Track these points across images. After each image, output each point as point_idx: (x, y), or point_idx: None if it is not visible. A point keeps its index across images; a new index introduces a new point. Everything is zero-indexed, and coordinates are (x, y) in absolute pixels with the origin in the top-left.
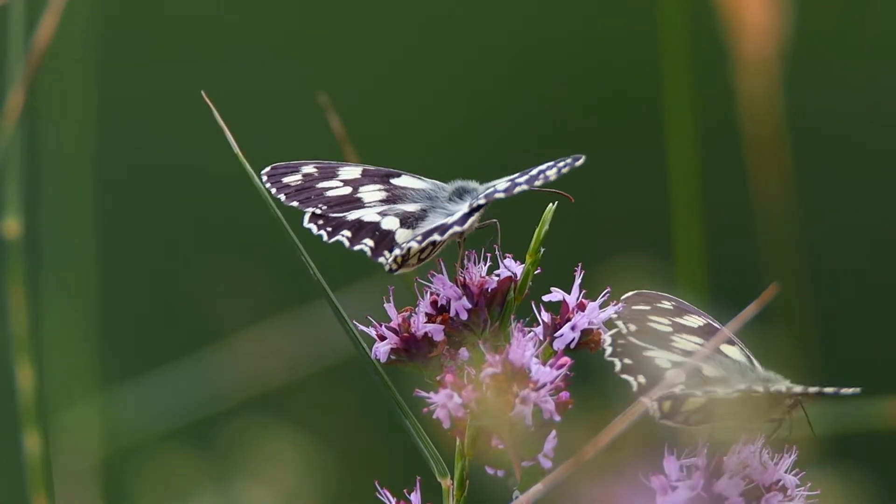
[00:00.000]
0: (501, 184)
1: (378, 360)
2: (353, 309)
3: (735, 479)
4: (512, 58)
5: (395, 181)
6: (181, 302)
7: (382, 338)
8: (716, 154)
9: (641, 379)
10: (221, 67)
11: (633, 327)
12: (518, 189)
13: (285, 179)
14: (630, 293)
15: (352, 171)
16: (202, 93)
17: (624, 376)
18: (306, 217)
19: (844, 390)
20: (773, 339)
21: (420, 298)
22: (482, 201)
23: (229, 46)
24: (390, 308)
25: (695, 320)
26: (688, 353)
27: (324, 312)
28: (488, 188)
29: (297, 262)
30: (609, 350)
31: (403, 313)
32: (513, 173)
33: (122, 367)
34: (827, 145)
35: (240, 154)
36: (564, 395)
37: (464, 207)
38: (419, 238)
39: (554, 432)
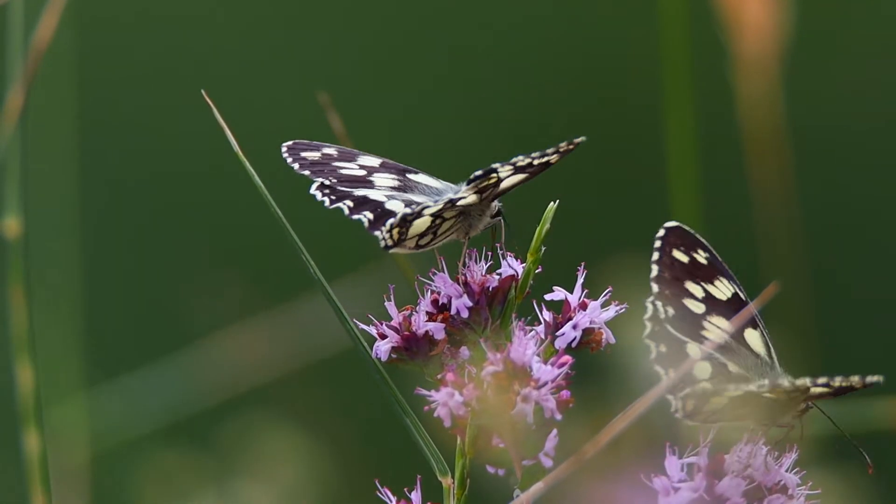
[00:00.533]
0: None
1: (379, 359)
2: (346, 301)
3: (737, 480)
4: (513, 57)
5: (410, 176)
6: (169, 299)
7: (383, 336)
8: (715, 154)
9: (672, 373)
10: (221, 66)
11: (670, 311)
12: (515, 162)
13: (304, 154)
14: (671, 224)
15: (371, 161)
16: (202, 91)
17: (656, 367)
18: (314, 185)
19: (869, 378)
20: (773, 338)
21: (421, 297)
22: (479, 173)
23: (229, 45)
24: (391, 306)
25: (724, 288)
26: (715, 344)
27: (315, 307)
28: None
29: (287, 257)
30: (647, 330)
31: (404, 311)
32: None
33: (109, 365)
34: (826, 145)
35: (239, 153)
36: (565, 393)
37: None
38: (414, 206)
39: (555, 431)
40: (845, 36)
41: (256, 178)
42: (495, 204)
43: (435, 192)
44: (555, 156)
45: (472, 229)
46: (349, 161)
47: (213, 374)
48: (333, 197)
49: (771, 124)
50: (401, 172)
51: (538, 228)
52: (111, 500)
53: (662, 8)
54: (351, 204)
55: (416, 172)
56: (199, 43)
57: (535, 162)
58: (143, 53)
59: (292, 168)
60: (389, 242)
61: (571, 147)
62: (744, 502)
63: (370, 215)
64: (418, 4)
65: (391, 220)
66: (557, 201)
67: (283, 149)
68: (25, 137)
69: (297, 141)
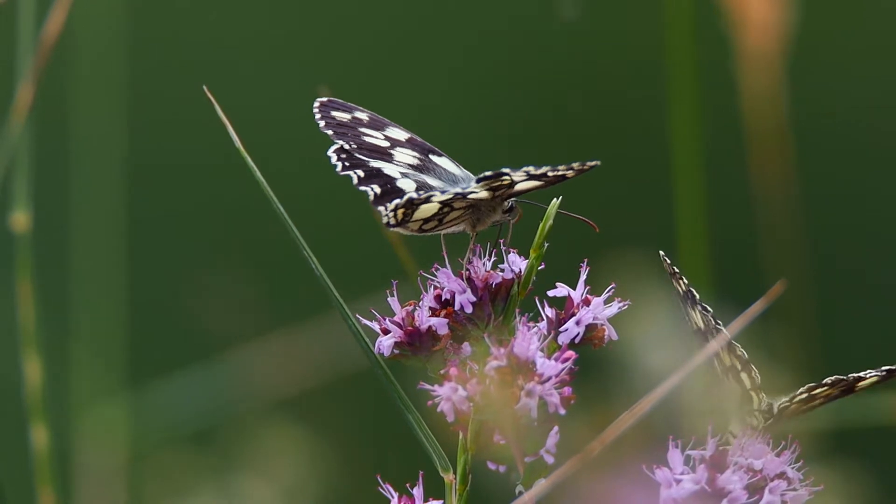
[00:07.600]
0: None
1: (381, 354)
2: (362, 312)
3: (739, 473)
4: (515, 54)
5: (433, 157)
6: (200, 308)
7: (386, 331)
8: (719, 149)
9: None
10: (224, 63)
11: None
12: (528, 170)
13: (334, 113)
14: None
15: (399, 134)
16: (204, 87)
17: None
18: (333, 147)
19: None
20: (776, 335)
21: (424, 292)
22: (489, 174)
23: (230, 42)
24: (394, 302)
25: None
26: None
27: (338, 320)
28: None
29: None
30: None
31: (407, 307)
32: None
33: (145, 369)
34: (830, 141)
35: (241, 148)
36: (567, 389)
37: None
38: (421, 192)
39: (557, 427)
40: (849, 31)
41: (258, 172)
42: (508, 202)
43: (452, 178)
44: (570, 172)
45: (479, 223)
46: (377, 129)
47: (237, 383)
48: (347, 164)
49: (775, 120)
50: (425, 152)
51: (541, 225)
52: (141, 501)
53: (668, 4)
54: (361, 174)
55: (440, 155)
56: (201, 39)
57: (550, 174)
58: (152, 51)
59: (318, 125)
60: (392, 221)
61: (585, 168)
62: (745, 494)
63: (377, 189)
64: (420, 0)
65: (397, 201)
66: (560, 198)
67: (315, 104)
68: (34, 132)
69: (331, 99)
